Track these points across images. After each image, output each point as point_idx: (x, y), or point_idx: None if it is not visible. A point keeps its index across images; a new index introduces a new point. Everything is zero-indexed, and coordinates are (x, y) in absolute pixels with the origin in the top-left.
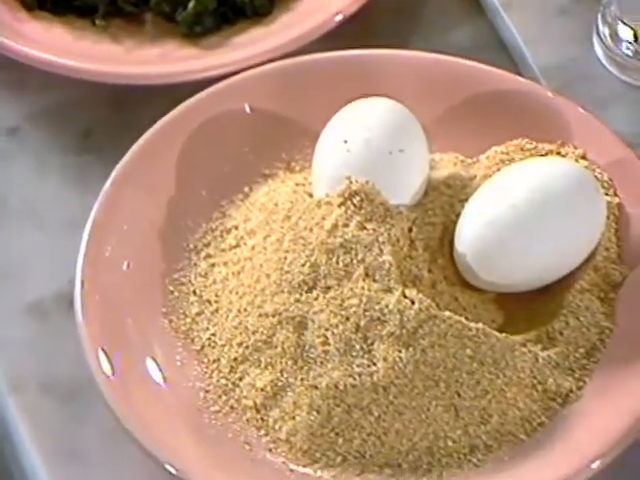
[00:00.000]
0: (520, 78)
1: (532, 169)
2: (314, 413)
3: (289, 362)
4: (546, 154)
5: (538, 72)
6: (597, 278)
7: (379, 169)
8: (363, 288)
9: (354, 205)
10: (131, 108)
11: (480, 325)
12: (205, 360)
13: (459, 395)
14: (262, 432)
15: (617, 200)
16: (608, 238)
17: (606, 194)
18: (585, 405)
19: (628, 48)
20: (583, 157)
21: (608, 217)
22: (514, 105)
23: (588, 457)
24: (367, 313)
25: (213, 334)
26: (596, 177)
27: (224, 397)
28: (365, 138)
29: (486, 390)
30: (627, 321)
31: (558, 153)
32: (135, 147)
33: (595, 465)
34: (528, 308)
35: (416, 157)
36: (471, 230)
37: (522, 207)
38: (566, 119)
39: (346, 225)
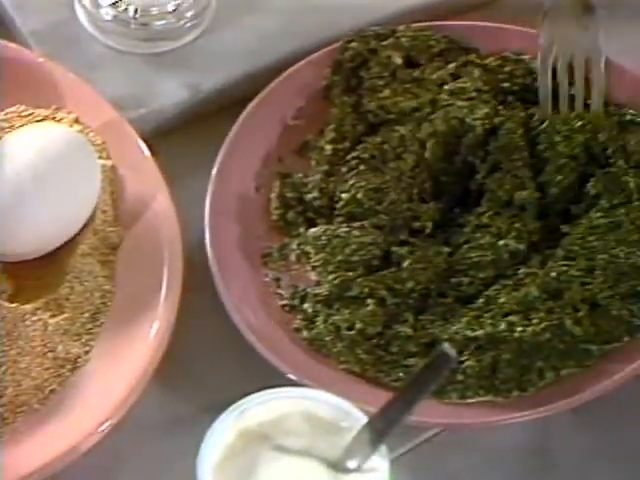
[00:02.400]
0: (11, 44)
1: (30, 136)
2: None
3: None
4: (43, 120)
5: (28, 37)
6: (97, 241)
7: None
8: None
9: None
10: None
11: None
12: None
13: None
14: None
15: (110, 162)
16: (104, 201)
17: (100, 157)
18: (93, 369)
19: (107, 13)
20: (77, 121)
21: (103, 180)
22: (9, 72)
23: (97, 420)
24: None
25: None
26: (90, 141)
27: None
28: None
29: (0, 362)
30: (126, 282)
31: (53, 118)
32: None
33: (104, 427)
34: (37, 276)
35: None
36: None
37: (23, 174)
38: (58, 84)
39: None
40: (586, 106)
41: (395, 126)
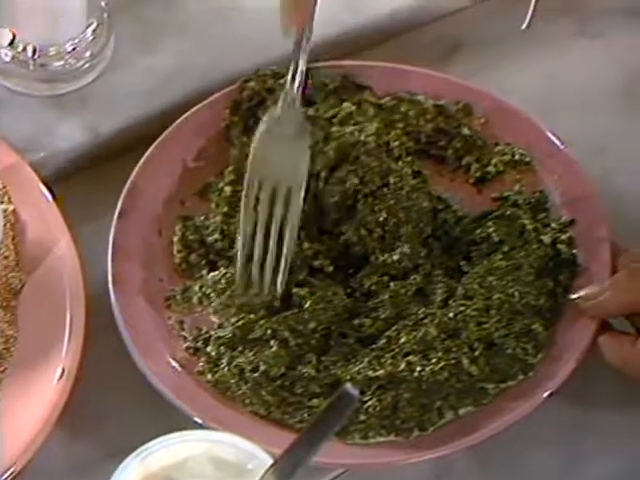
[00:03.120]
0: None
1: None
2: None
3: None
4: None
5: None
6: None
7: None
8: None
9: None
10: None
11: None
12: None
13: None
14: None
15: (12, 207)
16: (6, 246)
17: (1, 202)
18: None
19: (7, 54)
20: None
21: (5, 225)
22: None
23: (1, 467)
24: None
25: None
26: None
27: None
28: None
29: None
30: (29, 327)
31: None
32: None
33: (8, 474)
34: None
35: None
36: None
37: None
38: None
39: None
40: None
41: None
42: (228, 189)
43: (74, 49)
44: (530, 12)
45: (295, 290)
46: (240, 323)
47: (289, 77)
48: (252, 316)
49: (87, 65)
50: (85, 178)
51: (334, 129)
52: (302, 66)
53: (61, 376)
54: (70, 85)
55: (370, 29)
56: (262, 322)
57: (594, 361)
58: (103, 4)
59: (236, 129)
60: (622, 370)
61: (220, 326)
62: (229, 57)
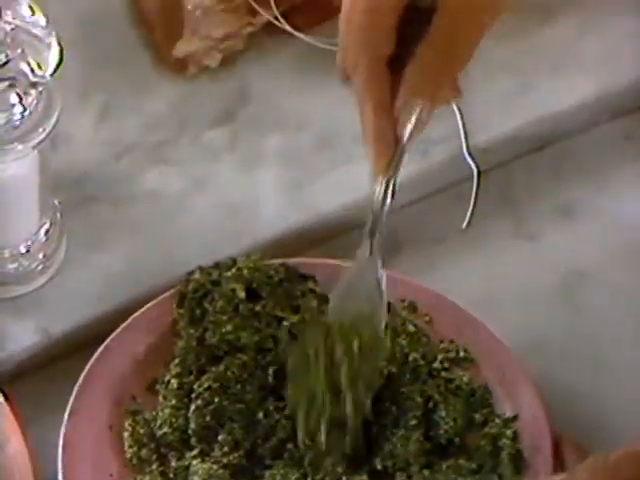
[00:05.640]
0: None
1: None
2: None
3: None
4: None
5: None
6: None
7: None
8: None
9: None
10: None
11: None
12: None
13: None
14: None
15: None
16: None
17: None
18: None
19: None
20: None
21: None
22: None
23: None
24: None
25: None
26: None
27: None
28: None
29: None
30: None
31: None
32: None
33: None
34: None
35: None
36: None
37: None
38: None
39: None
40: None
41: (237, 354)
42: (175, 382)
43: (27, 251)
44: (469, 212)
45: None
46: None
47: (368, 237)
48: None
49: (40, 267)
50: (37, 377)
51: (283, 334)
52: (382, 224)
53: None
54: (23, 287)
55: (315, 227)
56: None
57: None
58: (56, 202)
59: (183, 321)
60: None
61: None
62: (179, 256)
